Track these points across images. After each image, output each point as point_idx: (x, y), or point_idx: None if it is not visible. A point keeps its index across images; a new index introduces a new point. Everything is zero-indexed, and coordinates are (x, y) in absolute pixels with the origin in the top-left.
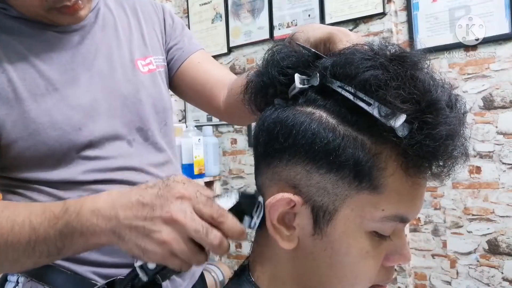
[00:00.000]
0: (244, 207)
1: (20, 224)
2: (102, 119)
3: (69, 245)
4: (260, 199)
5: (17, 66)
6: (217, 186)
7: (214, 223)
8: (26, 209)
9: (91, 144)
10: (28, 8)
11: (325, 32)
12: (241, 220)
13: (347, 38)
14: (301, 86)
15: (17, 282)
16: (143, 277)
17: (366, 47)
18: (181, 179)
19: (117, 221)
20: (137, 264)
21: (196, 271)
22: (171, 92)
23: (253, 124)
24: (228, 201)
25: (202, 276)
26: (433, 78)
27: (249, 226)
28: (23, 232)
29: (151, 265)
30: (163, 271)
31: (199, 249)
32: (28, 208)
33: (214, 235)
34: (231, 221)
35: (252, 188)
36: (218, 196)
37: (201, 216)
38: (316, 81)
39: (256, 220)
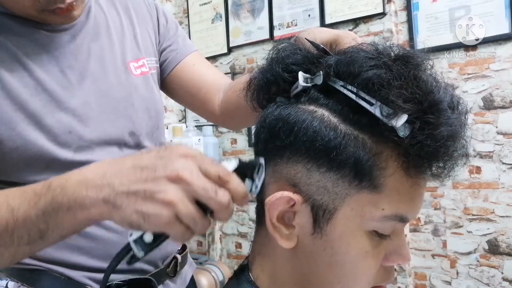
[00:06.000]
0: (245, 170)
1: None
2: (93, 123)
3: (54, 226)
4: (261, 160)
5: (6, 64)
6: None
7: (219, 183)
8: (2, 193)
9: (82, 148)
10: (18, 8)
11: (332, 34)
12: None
13: (353, 41)
14: (304, 84)
15: (6, 287)
16: (139, 252)
17: (370, 47)
18: (178, 144)
19: (111, 189)
20: (132, 238)
21: (187, 275)
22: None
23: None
24: (229, 165)
25: (192, 280)
26: (436, 80)
27: (250, 190)
28: None
29: (148, 238)
30: (159, 245)
31: (204, 212)
32: (5, 191)
33: (223, 194)
34: (237, 181)
35: None
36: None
37: (207, 175)
38: (319, 80)
39: (258, 183)
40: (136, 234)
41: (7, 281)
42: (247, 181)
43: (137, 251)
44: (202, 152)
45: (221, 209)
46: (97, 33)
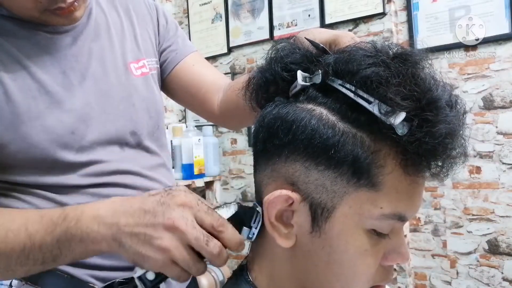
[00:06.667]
0: (242, 217)
1: (15, 231)
2: (95, 123)
3: (66, 252)
4: (258, 208)
5: (8, 67)
6: (217, 186)
7: (214, 232)
8: (21, 216)
9: (84, 148)
10: (21, 10)
11: (331, 34)
12: (239, 231)
13: (352, 41)
14: (303, 83)
15: (10, 285)
16: None
17: (369, 45)
18: (183, 188)
19: (118, 228)
20: (136, 275)
21: None
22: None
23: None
24: (227, 212)
25: (194, 278)
26: (434, 78)
27: (248, 237)
28: (18, 240)
29: (150, 276)
30: (161, 283)
31: (199, 257)
32: (24, 214)
33: (214, 244)
34: (231, 231)
35: (252, 188)
36: (217, 207)
37: (202, 225)
38: (318, 79)
39: (255, 230)
40: (139, 272)
41: (11, 280)
42: (244, 229)
43: (141, 287)
44: (202, 199)
45: (212, 258)
46: (97, 34)
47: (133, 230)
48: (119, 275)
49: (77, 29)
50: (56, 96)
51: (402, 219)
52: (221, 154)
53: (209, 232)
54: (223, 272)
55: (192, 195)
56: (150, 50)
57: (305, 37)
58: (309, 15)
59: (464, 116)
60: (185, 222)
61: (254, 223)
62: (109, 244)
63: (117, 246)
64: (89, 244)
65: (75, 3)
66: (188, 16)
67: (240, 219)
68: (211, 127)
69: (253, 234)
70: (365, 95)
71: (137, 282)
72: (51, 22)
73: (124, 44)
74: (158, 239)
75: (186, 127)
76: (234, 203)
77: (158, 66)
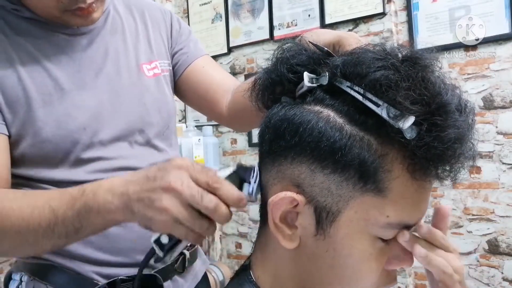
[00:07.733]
0: (240, 174)
1: (40, 208)
2: (107, 121)
3: (87, 225)
4: (255, 165)
5: (27, 66)
6: None
7: (210, 189)
8: (44, 195)
9: (94, 145)
10: (43, 9)
11: (336, 35)
12: (240, 188)
13: (356, 42)
14: (309, 84)
15: (21, 280)
16: (159, 252)
17: (378, 47)
18: (181, 157)
19: (128, 196)
20: (152, 239)
21: (198, 271)
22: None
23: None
24: (224, 172)
25: (205, 277)
26: (444, 81)
27: (249, 193)
28: (43, 216)
29: (164, 239)
30: (177, 246)
31: (200, 215)
32: (46, 193)
33: (209, 199)
34: (227, 187)
35: None
36: (216, 170)
37: (198, 183)
38: (325, 80)
39: (254, 185)
40: (154, 236)
41: (21, 275)
42: (245, 184)
43: (158, 251)
44: (197, 163)
45: (210, 213)
46: (113, 36)
47: (139, 196)
48: (124, 272)
49: (94, 31)
50: (70, 93)
51: (407, 227)
52: (221, 154)
53: (205, 190)
54: (223, 272)
55: (188, 159)
56: (162, 53)
57: (308, 41)
58: (309, 15)
59: (473, 120)
60: (180, 182)
61: (252, 178)
62: (123, 212)
63: (130, 213)
64: (106, 215)
65: (94, 4)
66: (188, 16)
67: (241, 178)
68: (211, 127)
69: (253, 189)
70: (374, 98)
71: (154, 245)
72: (70, 22)
73: (138, 45)
74: (158, 200)
75: (186, 127)
76: (232, 164)
77: (171, 68)
